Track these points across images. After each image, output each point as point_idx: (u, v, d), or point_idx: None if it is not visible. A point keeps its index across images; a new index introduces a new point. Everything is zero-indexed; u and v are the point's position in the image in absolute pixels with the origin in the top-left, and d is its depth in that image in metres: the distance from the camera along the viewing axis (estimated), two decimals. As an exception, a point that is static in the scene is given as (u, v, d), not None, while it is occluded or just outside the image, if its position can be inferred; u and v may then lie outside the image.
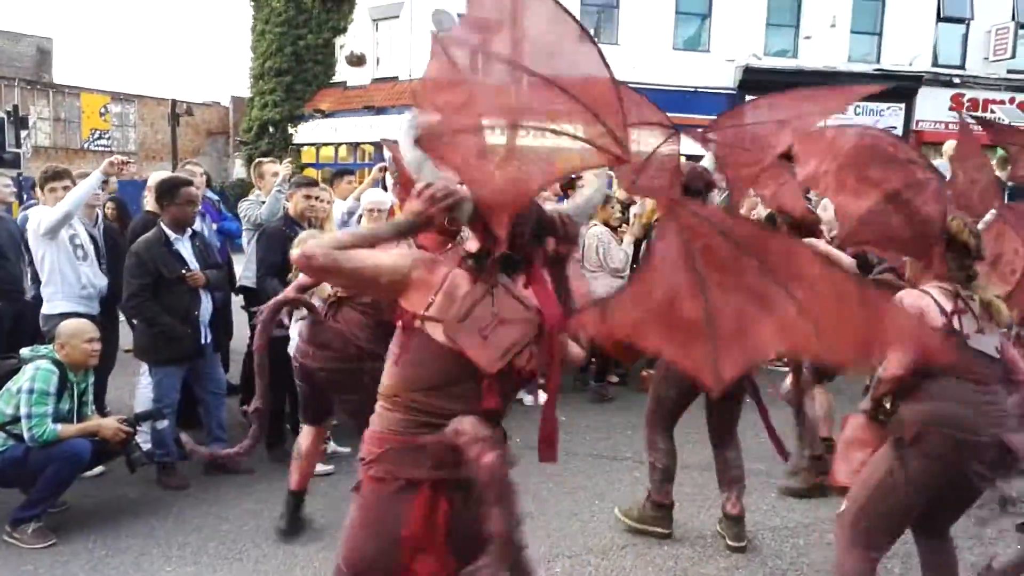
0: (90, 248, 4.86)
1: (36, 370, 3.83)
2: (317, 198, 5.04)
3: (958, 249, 2.71)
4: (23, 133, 15.07)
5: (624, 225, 6.60)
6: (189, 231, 4.62)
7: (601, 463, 4.81)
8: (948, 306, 2.67)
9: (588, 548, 3.77)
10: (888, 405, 2.79)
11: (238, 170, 23.33)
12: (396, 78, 20.12)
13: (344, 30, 21.18)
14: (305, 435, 3.89)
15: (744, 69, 18.74)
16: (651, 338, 1.72)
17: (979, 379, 2.66)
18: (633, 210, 6.50)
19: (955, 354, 2.56)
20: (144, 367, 4.70)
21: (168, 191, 4.55)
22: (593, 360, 6.36)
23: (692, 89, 18.54)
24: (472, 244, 1.90)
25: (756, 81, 17.88)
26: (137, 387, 4.85)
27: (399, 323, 1.92)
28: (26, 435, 3.74)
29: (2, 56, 29.19)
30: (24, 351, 4.04)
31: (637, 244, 6.44)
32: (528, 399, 6.21)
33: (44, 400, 3.79)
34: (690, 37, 19.76)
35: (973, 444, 2.61)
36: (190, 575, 3.53)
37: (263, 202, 5.54)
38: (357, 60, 20.69)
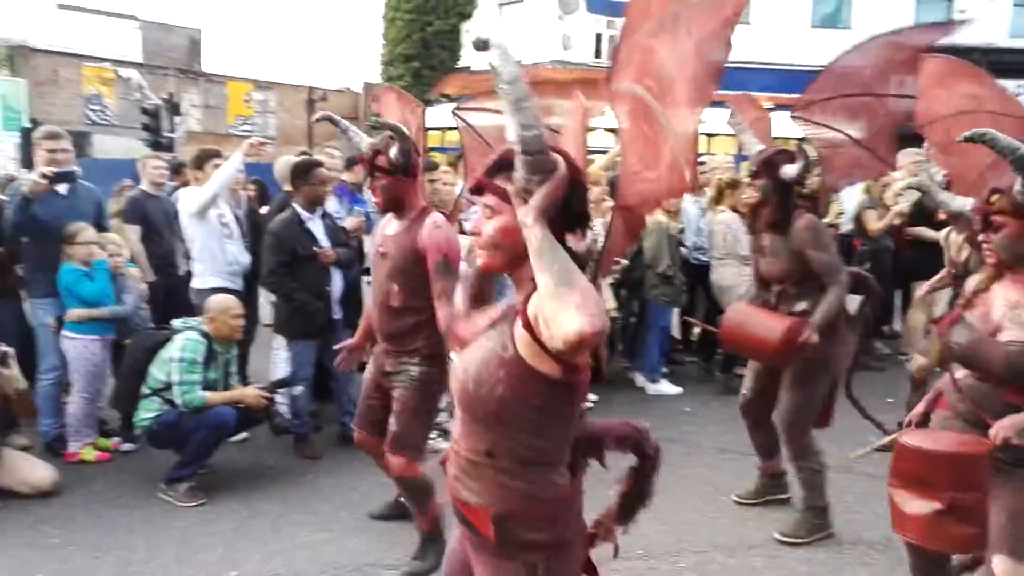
0: (235, 227, 5.15)
1: (186, 341, 4.11)
2: (439, 181, 5.18)
3: None
4: (176, 119, 16.19)
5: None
6: (320, 211, 4.80)
7: (728, 457, 4.65)
8: None
9: (715, 545, 3.65)
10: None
11: (367, 154, 24.07)
12: (520, 62, 20.20)
13: (470, 15, 21.48)
14: None
15: (890, 46, 17.58)
16: (651, 190, 1.69)
17: None
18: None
19: None
20: (282, 341, 4.95)
21: (301, 172, 4.75)
22: (720, 352, 6.16)
23: (830, 68, 17.57)
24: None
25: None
26: (275, 360, 5.11)
27: None
28: (177, 401, 4.02)
29: (158, 47, 31.50)
30: (176, 322, 4.35)
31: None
32: (651, 388, 6.11)
33: (193, 369, 4.05)
34: (829, 13, 18.71)
35: None
36: (323, 541, 3.69)
37: None
38: (482, 45, 20.91)
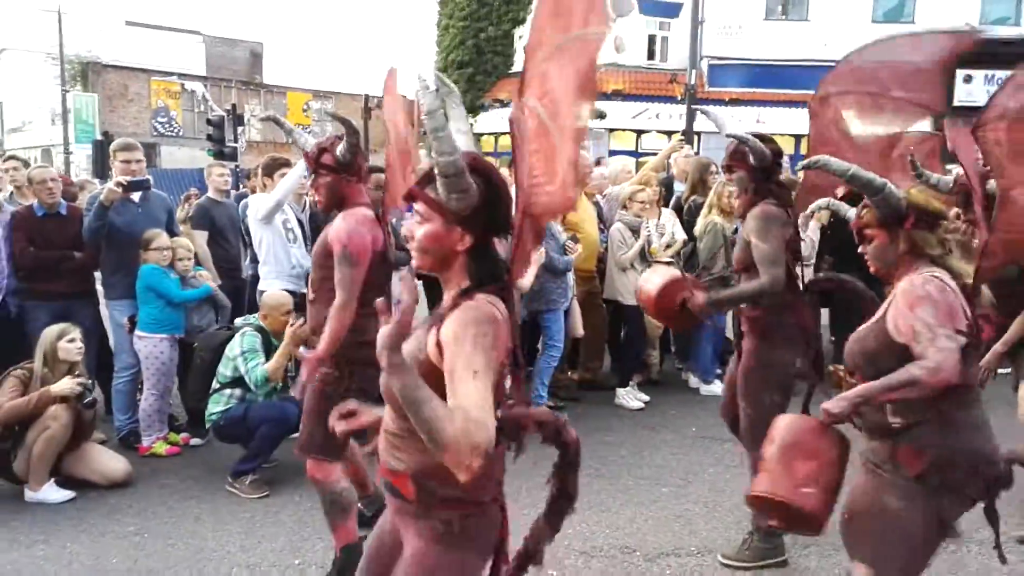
0: (299, 232, 5.33)
1: (243, 337, 4.32)
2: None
3: (929, 221, 2.27)
4: (239, 129, 16.74)
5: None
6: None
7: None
8: (965, 304, 2.23)
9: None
10: (878, 417, 2.25)
11: (423, 159, 24.48)
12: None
13: (523, 20, 21.59)
14: None
15: (955, 40, 17.02)
16: (550, 202, 1.74)
17: (977, 396, 2.28)
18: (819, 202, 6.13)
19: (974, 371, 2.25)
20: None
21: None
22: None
23: (892, 65, 17.10)
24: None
25: (969, 53, 16.19)
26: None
27: None
28: (250, 384, 4.21)
29: (222, 60, 32.58)
30: (237, 321, 4.56)
31: (823, 232, 6.11)
32: (704, 388, 6.08)
33: (255, 355, 4.24)
34: (892, 8, 18.24)
35: (995, 477, 2.20)
36: (381, 534, 3.80)
37: None
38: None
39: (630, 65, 19.62)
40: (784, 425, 2.37)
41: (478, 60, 21.97)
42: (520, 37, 21.49)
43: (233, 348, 4.32)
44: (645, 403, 5.79)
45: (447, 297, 1.73)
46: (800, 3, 18.50)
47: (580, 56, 1.64)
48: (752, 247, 3.30)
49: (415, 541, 1.76)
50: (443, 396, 1.55)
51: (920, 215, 2.25)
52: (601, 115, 15.00)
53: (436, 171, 1.63)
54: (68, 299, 4.78)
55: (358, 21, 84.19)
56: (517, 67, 21.65)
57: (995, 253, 2.37)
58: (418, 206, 1.69)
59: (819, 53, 17.35)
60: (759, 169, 3.34)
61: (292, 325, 4.17)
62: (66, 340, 4.21)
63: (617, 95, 18.90)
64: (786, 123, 16.45)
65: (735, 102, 17.81)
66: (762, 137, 3.43)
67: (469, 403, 1.50)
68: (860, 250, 2.40)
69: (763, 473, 2.34)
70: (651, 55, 19.97)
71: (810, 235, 5.94)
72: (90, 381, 4.37)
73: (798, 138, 16.21)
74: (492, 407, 1.56)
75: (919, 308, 2.13)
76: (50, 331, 4.24)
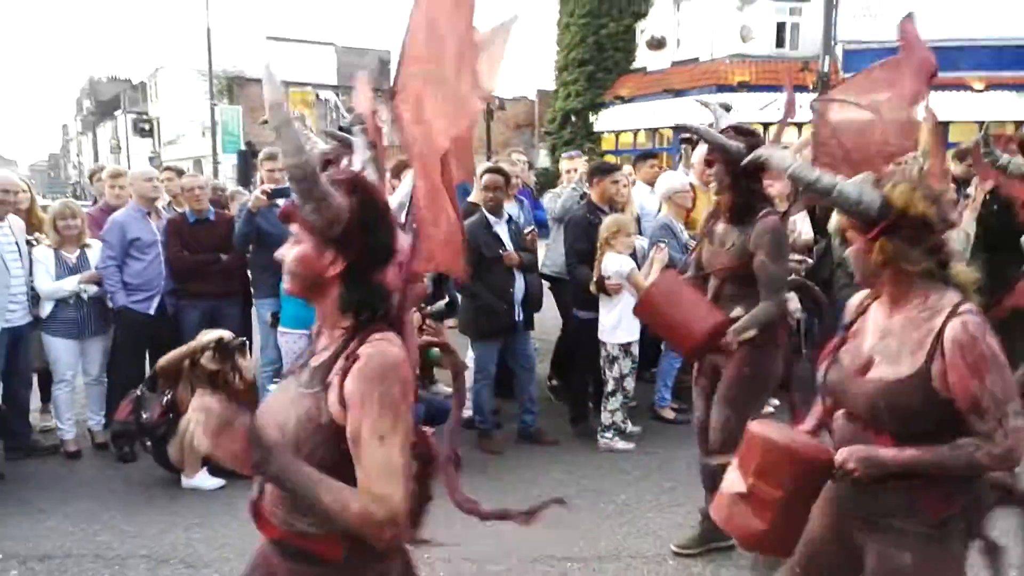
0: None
1: None
2: (620, 183, 5.25)
3: (912, 228, 1.85)
4: (369, 135, 17.41)
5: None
6: (506, 215, 5.01)
7: None
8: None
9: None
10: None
11: (542, 159, 24.70)
12: (696, 59, 19.73)
13: (645, 14, 21.27)
14: None
15: None
16: (432, 249, 1.60)
17: None
18: (968, 190, 5.70)
19: None
20: (468, 342, 5.22)
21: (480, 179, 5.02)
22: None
23: None
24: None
25: None
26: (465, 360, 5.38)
27: None
28: None
29: (351, 69, 33.95)
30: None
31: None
32: None
33: None
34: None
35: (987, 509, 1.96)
36: (506, 531, 3.80)
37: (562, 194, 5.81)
38: (657, 44, 20.67)
39: (757, 55, 18.89)
40: (798, 466, 1.99)
41: (599, 57, 21.83)
42: (642, 31, 21.17)
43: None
44: (775, 407, 5.56)
45: (327, 335, 1.58)
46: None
47: (458, 116, 1.55)
48: (761, 264, 3.19)
49: None
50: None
51: (898, 221, 1.84)
52: (727, 108, 14.55)
53: (288, 176, 1.46)
54: (217, 299, 5.15)
55: (479, 23, 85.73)
56: (639, 63, 21.37)
57: None
58: (293, 226, 1.53)
59: (970, 32, 16.04)
60: (737, 164, 3.16)
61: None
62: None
63: (743, 86, 18.23)
64: (935, 109, 15.33)
65: (874, 88, 16.75)
66: (742, 130, 3.27)
67: (374, 474, 1.41)
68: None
69: (768, 511, 2.00)
70: (780, 43, 19.14)
71: (965, 229, 5.51)
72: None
73: (946, 125, 15.06)
74: (403, 467, 1.45)
75: (988, 374, 1.77)
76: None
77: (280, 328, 5.00)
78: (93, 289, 4.86)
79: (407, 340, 1.54)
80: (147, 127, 36.58)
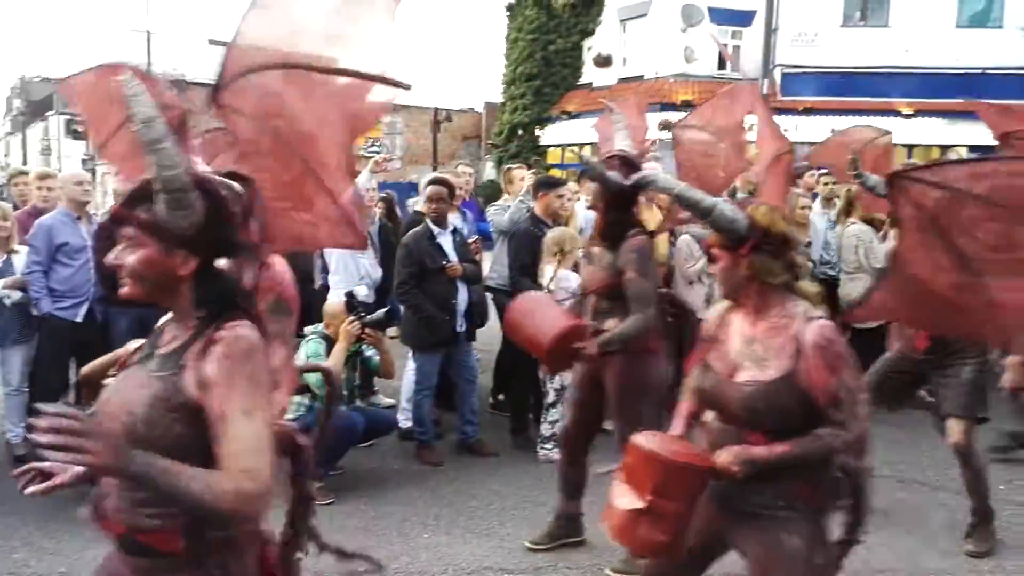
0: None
1: (307, 344, 4.43)
2: (564, 198, 5.30)
3: (774, 245, 2.09)
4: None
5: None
6: (451, 227, 5.00)
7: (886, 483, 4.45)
8: None
9: (874, 569, 3.50)
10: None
11: (489, 172, 24.78)
12: (642, 77, 20.08)
13: (592, 32, 21.58)
14: None
15: (1048, 44, 16.19)
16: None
17: None
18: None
19: None
20: (409, 351, 5.18)
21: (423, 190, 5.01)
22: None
23: (979, 71, 16.38)
24: None
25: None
26: (404, 370, 5.34)
27: None
28: (311, 387, 4.28)
29: (298, 76, 33.62)
30: (307, 329, 4.67)
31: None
32: None
33: (316, 359, 4.32)
34: (978, 12, 17.48)
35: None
36: (443, 544, 3.83)
37: (509, 207, 5.81)
38: (604, 61, 20.98)
39: (700, 75, 19.34)
40: (686, 478, 2.14)
41: (546, 72, 22.04)
42: (589, 49, 21.47)
43: (299, 356, 4.43)
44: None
45: (175, 327, 1.59)
46: (880, 8, 17.88)
47: (348, 98, 1.58)
48: (629, 280, 3.35)
49: None
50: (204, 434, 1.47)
51: (763, 238, 2.07)
52: (669, 126, 14.86)
53: (158, 187, 1.47)
54: (149, 306, 4.97)
55: (428, 34, 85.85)
56: (586, 79, 21.66)
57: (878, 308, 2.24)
58: (128, 229, 1.52)
59: (900, 60, 16.76)
60: (614, 186, 3.34)
61: (347, 323, 4.26)
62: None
63: (687, 106, 18.64)
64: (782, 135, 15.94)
65: (809, 111, 17.34)
66: (626, 160, 3.39)
67: (241, 448, 1.43)
68: (710, 270, 2.31)
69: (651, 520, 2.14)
70: (722, 65, 19.65)
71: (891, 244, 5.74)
72: None
73: (876, 148, 15.67)
74: (268, 443, 1.47)
75: (842, 371, 2.03)
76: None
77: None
78: (16, 295, 4.67)
79: (262, 329, 1.56)
80: (81, 129, 35.42)
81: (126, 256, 1.52)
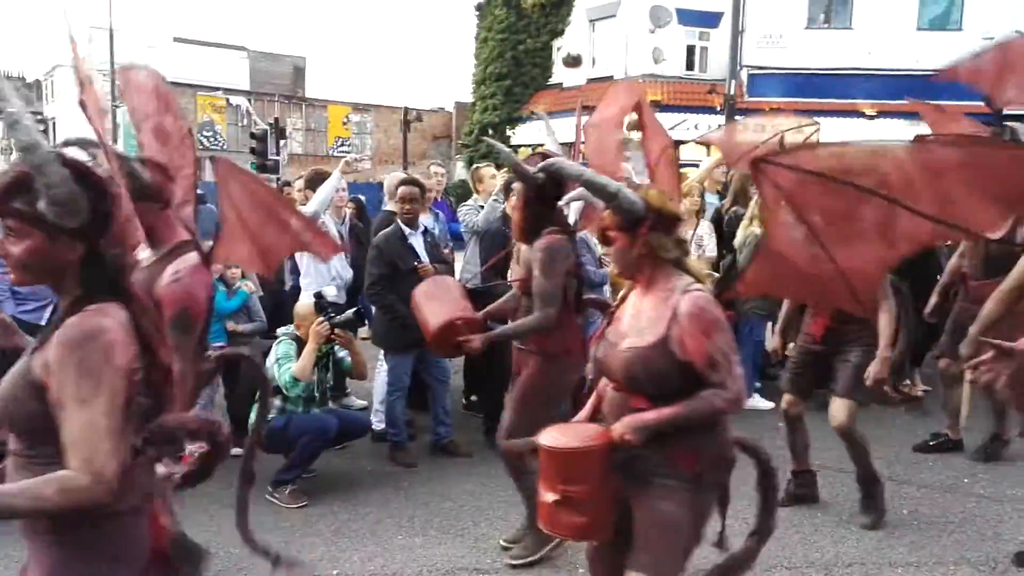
0: (338, 243, 5.40)
1: (278, 346, 4.41)
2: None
3: (666, 224, 2.29)
4: (282, 142, 17.05)
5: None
6: (422, 227, 4.98)
7: (823, 474, 4.51)
8: None
9: (809, 562, 3.57)
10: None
11: (459, 172, 24.76)
12: (611, 77, 20.20)
13: (562, 32, 21.66)
14: None
15: (1004, 47, 16.59)
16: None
17: None
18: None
19: None
20: (381, 353, 5.15)
21: (394, 191, 4.97)
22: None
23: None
24: None
25: (1019, 59, 15.79)
26: (376, 372, 5.32)
27: None
28: (282, 387, 4.28)
29: (265, 75, 33.26)
30: (279, 330, 4.63)
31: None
32: (763, 404, 5.96)
33: (287, 362, 4.31)
34: (938, 15, 17.86)
35: (731, 462, 2.35)
36: (417, 545, 3.82)
37: (481, 206, 5.79)
38: (573, 61, 21.08)
39: (669, 76, 19.52)
40: (587, 462, 2.25)
41: (516, 72, 22.09)
42: (559, 49, 21.54)
43: (270, 357, 4.40)
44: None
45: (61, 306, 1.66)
46: (843, 11, 18.20)
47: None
48: (535, 278, 3.34)
49: (43, 560, 1.62)
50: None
51: (657, 218, 2.26)
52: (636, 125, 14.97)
53: (47, 201, 1.53)
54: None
55: (398, 35, 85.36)
56: (555, 79, 21.73)
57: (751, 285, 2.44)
58: (9, 221, 1.56)
59: (863, 61, 17.06)
60: (526, 177, 3.37)
61: (316, 324, 4.24)
62: None
63: (656, 106, 18.80)
64: (828, 134, 16.22)
65: (776, 111, 17.60)
66: (548, 155, 3.40)
67: (76, 439, 1.48)
68: (603, 252, 2.47)
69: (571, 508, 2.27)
70: (690, 65, 19.85)
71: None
72: None
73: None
74: (110, 428, 1.51)
75: (715, 335, 2.17)
76: None
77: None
78: (-22, 299, 4.55)
79: (141, 317, 1.63)
80: (42, 128, 34.53)
81: (11, 247, 1.56)
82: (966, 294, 4.53)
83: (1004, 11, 16.76)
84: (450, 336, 3.44)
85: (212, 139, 31.57)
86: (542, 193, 3.36)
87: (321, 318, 4.29)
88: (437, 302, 3.59)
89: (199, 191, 4.99)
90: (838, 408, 3.84)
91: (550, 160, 2.67)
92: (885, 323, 3.69)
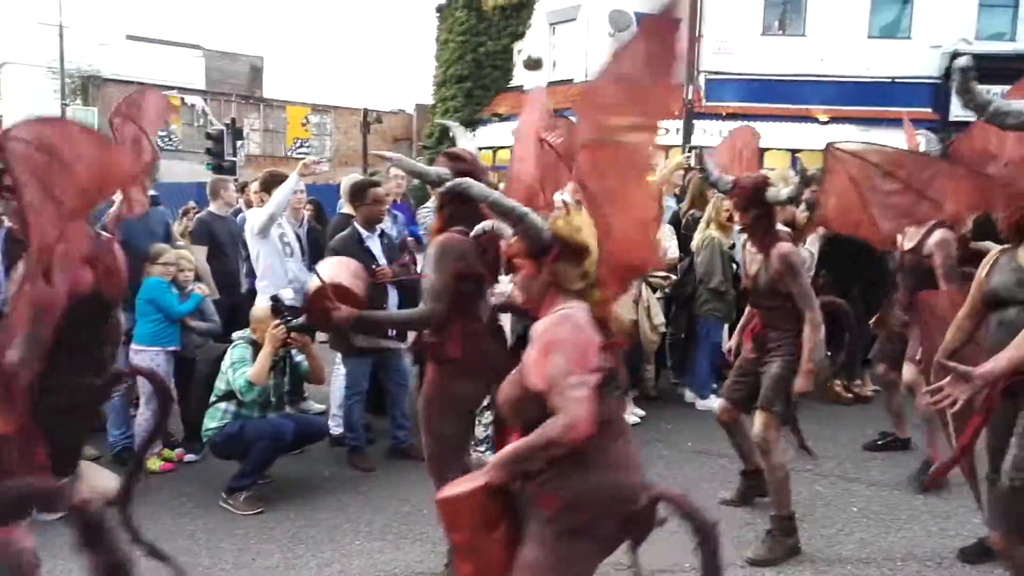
0: (296, 245, 5.35)
1: (233, 350, 4.35)
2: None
3: (574, 254, 2.10)
4: (238, 143, 16.79)
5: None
6: (379, 230, 4.95)
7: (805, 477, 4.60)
8: (598, 337, 2.07)
9: (796, 559, 3.63)
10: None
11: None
12: (571, 80, 20.31)
13: (522, 35, 21.69)
14: None
15: (952, 56, 17.08)
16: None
17: (623, 428, 2.20)
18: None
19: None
20: (339, 357, 5.10)
21: (358, 192, 4.93)
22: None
23: (889, 80, 17.20)
24: None
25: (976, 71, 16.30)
26: (334, 375, 5.26)
27: None
28: (237, 393, 4.21)
29: (221, 74, 32.69)
30: (235, 334, 4.56)
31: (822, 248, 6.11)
32: (700, 403, 6.07)
33: (242, 366, 4.25)
34: (888, 24, 18.32)
35: (632, 516, 2.07)
36: (376, 550, 3.79)
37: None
38: (534, 64, 21.13)
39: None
40: (464, 510, 2.12)
41: (477, 74, 22.05)
42: (519, 52, 21.59)
43: (225, 361, 4.34)
44: (641, 418, 5.78)
45: None
46: (797, 19, 18.54)
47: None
48: (425, 277, 3.16)
49: None
50: None
51: (563, 248, 2.10)
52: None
53: None
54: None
55: (357, 35, 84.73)
56: (516, 81, 21.76)
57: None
58: None
59: (816, 68, 17.40)
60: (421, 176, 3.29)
61: (272, 327, 4.18)
62: None
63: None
64: (783, 138, 16.48)
65: (732, 117, 17.87)
66: (453, 155, 3.27)
67: None
68: (509, 280, 2.35)
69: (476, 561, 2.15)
70: (650, 69, 20.05)
71: (809, 248, 5.95)
72: None
73: (794, 153, 16.26)
74: None
75: (553, 353, 1.98)
76: None
77: (133, 346, 4.71)
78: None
79: None
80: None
81: None
82: (895, 302, 4.68)
83: (950, 21, 17.30)
84: (319, 303, 3.15)
85: (167, 139, 30.95)
86: (452, 195, 3.04)
87: (277, 321, 4.24)
88: (328, 272, 3.34)
89: (151, 192, 4.95)
90: (756, 420, 3.73)
91: (457, 181, 2.51)
92: (808, 335, 3.57)
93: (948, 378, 2.44)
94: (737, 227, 3.98)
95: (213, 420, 4.29)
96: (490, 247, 3.17)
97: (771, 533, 3.67)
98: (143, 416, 4.76)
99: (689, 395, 6.25)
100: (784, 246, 3.62)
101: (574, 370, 1.96)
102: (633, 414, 5.79)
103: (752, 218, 3.68)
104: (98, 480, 4.29)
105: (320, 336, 5.96)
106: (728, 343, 4.51)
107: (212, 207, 5.94)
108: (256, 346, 4.33)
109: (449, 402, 3.15)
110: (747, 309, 4.21)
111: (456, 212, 3.14)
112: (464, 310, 3.13)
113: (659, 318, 5.97)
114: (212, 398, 4.34)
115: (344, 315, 3.08)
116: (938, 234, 4.17)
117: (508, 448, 2.07)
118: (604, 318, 2.11)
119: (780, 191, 3.65)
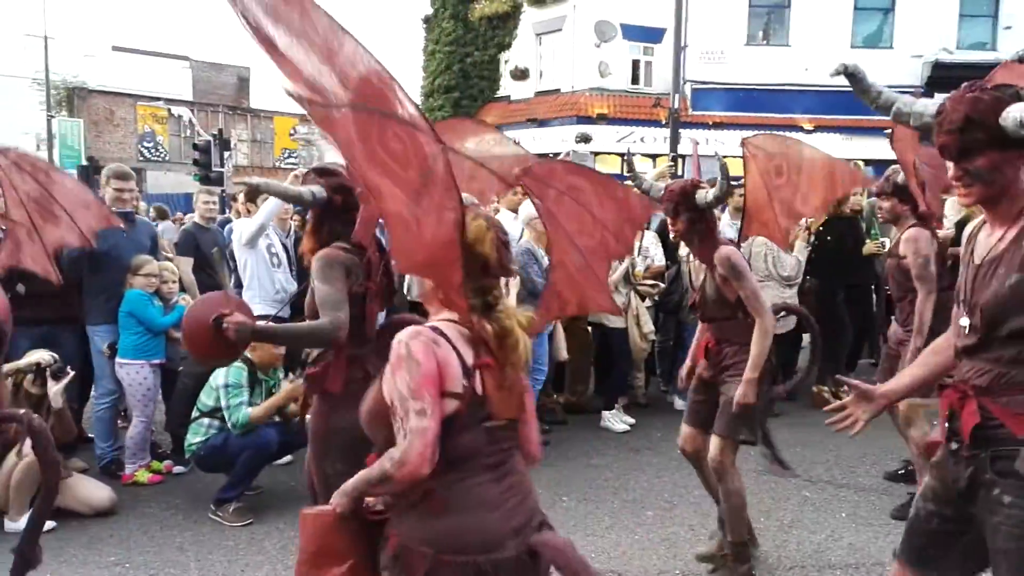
0: (283, 256, 5.33)
1: (229, 367, 4.24)
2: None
3: (476, 265, 1.79)
4: (226, 154, 16.75)
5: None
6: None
7: (767, 480, 4.62)
8: (470, 358, 1.77)
9: (784, 567, 3.64)
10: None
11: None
12: (558, 90, 20.42)
13: (509, 46, 21.80)
14: None
15: (933, 65, 17.33)
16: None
17: (498, 463, 1.82)
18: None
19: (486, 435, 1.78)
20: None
21: None
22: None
23: (872, 89, 17.45)
24: None
25: (947, 77, 16.51)
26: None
27: None
28: (229, 423, 4.18)
29: (208, 85, 32.64)
30: (226, 349, 4.52)
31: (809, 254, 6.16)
32: (679, 403, 6.08)
33: (238, 392, 4.21)
34: (871, 34, 18.58)
35: (496, 565, 1.74)
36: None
37: None
38: (520, 74, 21.24)
39: (615, 89, 19.81)
40: (308, 532, 1.89)
41: (464, 84, 22.13)
42: (506, 62, 21.69)
43: (217, 378, 4.29)
44: (631, 426, 5.80)
45: None
46: (781, 29, 18.78)
47: None
48: (315, 290, 2.78)
49: None
50: None
51: (464, 254, 1.77)
52: (587, 138, 15.08)
53: None
54: (52, 325, 4.74)
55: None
56: (503, 91, 21.85)
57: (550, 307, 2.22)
58: None
59: (800, 78, 17.61)
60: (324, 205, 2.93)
61: (292, 382, 4.20)
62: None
63: (602, 119, 19.07)
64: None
65: (718, 126, 18.02)
66: (323, 171, 2.99)
67: None
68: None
69: None
70: (635, 79, 20.18)
71: (796, 256, 6.01)
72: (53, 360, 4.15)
73: (781, 161, 16.37)
74: None
75: (398, 373, 1.70)
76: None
77: (119, 359, 4.68)
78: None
79: None
80: (-27, 139, 33.31)
81: None
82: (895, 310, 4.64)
83: (931, 31, 17.55)
84: (207, 315, 2.72)
85: (153, 150, 30.85)
86: (332, 210, 2.92)
87: (299, 379, 4.06)
88: (197, 306, 2.99)
89: (131, 210, 4.92)
90: (712, 444, 3.48)
91: (262, 180, 2.35)
92: (756, 339, 3.35)
93: (851, 396, 2.22)
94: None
95: (196, 435, 4.26)
96: (378, 263, 2.92)
97: (724, 558, 3.53)
98: (135, 428, 4.74)
99: (679, 402, 6.26)
100: (725, 249, 3.41)
101: (416, 395, 1.68)
102: (623, 422, 5.81)
103: (685, 223, 3.46)
104: (87, 492, 4.28)
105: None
106: (681, 370, 4.00)
107: (196, 219, 5.93)
108: (251, 365, 4.30)
109: (336, 437, 2.74)
110: (699, 327, 3.87)
111: (335, 229, 2.91)
112: (350, 335, 2.74)
113: (648, 326, 5.99)
114: (195, 413, 4.31)
115: (237, 320, 2.67)
116: (908, 232, 3.96)
117: (354, 477, 1.81)
118: (502, 336, 1.79)
119: (708, 193, 3.44)
